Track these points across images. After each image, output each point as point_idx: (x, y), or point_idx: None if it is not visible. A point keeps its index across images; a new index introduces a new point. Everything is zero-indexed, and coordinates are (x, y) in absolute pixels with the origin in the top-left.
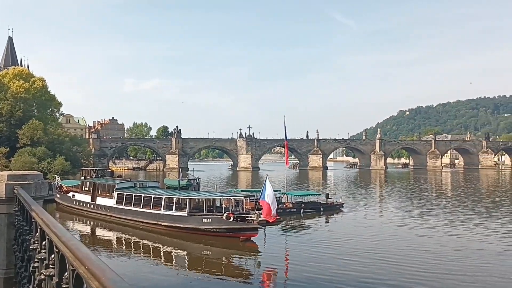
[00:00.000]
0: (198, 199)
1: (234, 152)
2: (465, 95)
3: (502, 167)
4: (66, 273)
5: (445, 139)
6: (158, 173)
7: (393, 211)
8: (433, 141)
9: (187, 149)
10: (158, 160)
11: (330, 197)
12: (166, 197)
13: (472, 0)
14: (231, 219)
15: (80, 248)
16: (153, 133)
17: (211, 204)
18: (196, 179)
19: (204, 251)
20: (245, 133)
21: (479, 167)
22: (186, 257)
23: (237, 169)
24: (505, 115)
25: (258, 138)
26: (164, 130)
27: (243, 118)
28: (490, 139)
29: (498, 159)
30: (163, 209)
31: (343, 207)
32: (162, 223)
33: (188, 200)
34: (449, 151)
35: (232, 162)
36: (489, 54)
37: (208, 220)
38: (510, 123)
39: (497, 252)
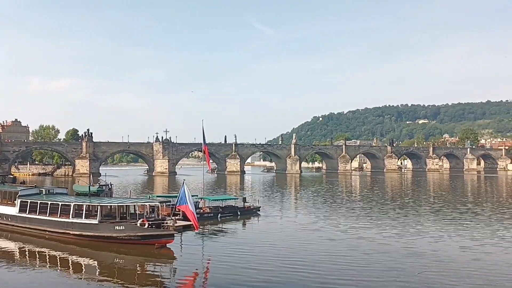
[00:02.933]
0: (111, 205)
1: (150, 156)
2: (372, 103)
3: (404, 170)
4: None
5: (355, 144)
6: (66, 178)
7: (307, 214)
8: (343, 146)
9: (99, 153)
10: (67, 165)
11: (247, 201)
12: (75, 204)
13: (380, 14)
14: (146, 226)
15: None
16: (62, 136)
17: (125, 211)
18: (108, 185)
19: (117, 260)
20: (162, 137)
21: (385, 171)
22: (97, 266)
23: (153, 174)
24: (407, 122)
25: (175, 142)
26: (74, 133)
27: (160, 122)
28: (394, 145)
29: (401, 163)
30: (72, 217)
31: (259, 210)
32: (71, 232)
33: (99, 207)
34: (358, 156)
35: (147, 167)
36: (394, 65)
37: (121, 228)
38: (411, 130)
39: (406, 253)
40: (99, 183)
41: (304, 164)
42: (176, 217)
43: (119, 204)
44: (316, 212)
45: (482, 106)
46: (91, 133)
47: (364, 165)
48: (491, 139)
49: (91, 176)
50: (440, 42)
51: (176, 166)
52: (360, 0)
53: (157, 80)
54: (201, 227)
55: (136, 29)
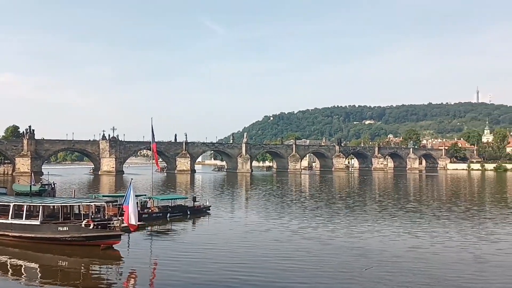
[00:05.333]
0: (53, 206)
1: (96, 155)
2: (321, 104)
3: (351, 169)
4: None
5: (304, 144)
6: (6, 178)
7: (257, 214)
8: (294, 146)
9: (42, 151)
10: (6, 164)
11: (197, 200)
12: (14, 204)
13: (329, 18)
14: (91, 227)
15: None
16: (1, 133)
17: (68, 211)
18: (51, 184)
19: (60, 262)
20: (109, 135)
21: (333, 170)
22: (38, 269)
23: (99, 173)
24: (354, 122)
25: (123, 140)
26: (14, 130)
27: (107, 120)
28: (342, 144)
29: (349, 162)
30: (11, 218)
31: (209, 209)
32: (10, 234)
33: (41, 207)
34: (307, 155)
35: (93, 166)
36: (342, 67)
37: (65, 229)
38: (358, 130)
39: (353, 251)
40: (41, 182)
41: (255, 163)
42: (123, 217)
43: (62, 204)
44: (266, 211)
45: (424, 108)
46: (33, 130)
47: (314, 164)
48: (432, 139)
49: (32, 175)
50: (386, 46)
51: (124, 165)
52: (312, 3)
53: (104, 77)
54: (149, 227)
55: (81, 24)
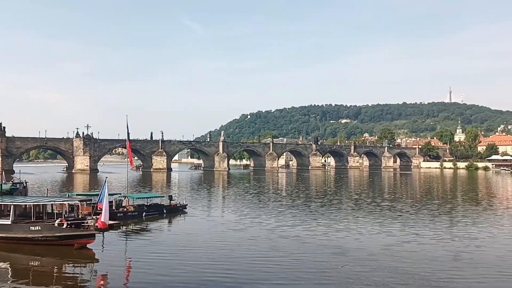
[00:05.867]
0: (25, 205)
1: (70, 153)
2: (299, 103)
3: (328, 168)
4: None
5: (282, 142)
6: None
7: (234, 212)
8: (271, 144)
9: (13, 149)
10: None
11: (173, 199)
12: None
13: (307, 18)
14: (64, 226)
15: None
16: None
17: (41, 210)
18: (23, 183)
19: (32, 263)
20: (83, 133)
21: (310, 168)
22: (9, 270)
23: (73, 171)
24: (331, 121)
25: (97, 138)
26: None
27: (82, 117)
28: (319, 143)
29: (325, 161)
30: None
31: (186, 208)
32: None
33: (12, 206)
34: (284, 153)
35: (67, 164)
36: (319, 66)
37: (37, 228)
38: (334, 129)
39: (329, 249)
40: (12, 181)
41: (232, 162)
42: (98, 216)
43: (34, 203)
44: (243, 210)
45: (399, 108)
46: (4, 128)
47: (291, 162)
48: (406, 138)
49: (3, 173)
50: (361, 46)
51: (98, 163)
52: (289, 3)
53: (79, 74)
54: (124, 226)
55: (56, 21)
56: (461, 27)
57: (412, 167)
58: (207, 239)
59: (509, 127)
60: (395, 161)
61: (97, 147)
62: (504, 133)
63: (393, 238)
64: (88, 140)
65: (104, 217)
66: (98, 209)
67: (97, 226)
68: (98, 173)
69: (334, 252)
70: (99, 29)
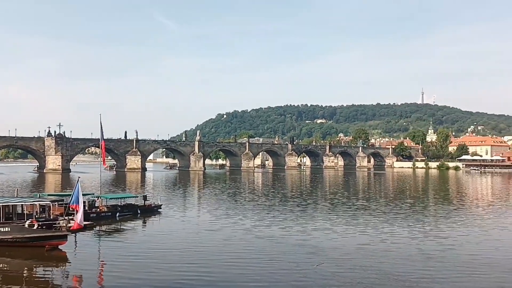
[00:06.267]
0: None
1: (41, 152)
2: (275, 103)
3: (303, 167)
4: None
5: (258, 142)
6: None
7: (209, 213)
8: (247, 144)
9: None
10: None
11: (148, 199)
12: None
13: (284, 18)
14: (35, 227)
15: None
16: None
17: (11, 211)
18: None
19: (1, 265)
20: (55, 132)
21: (286, 168)
22: None
23: (45, 171)
24: (307, 121)
25: (70, 137)
26: None
27: (54, 116)
28: (294, 143)
29: (301, 160)
30: None
31: (161, 208)
32: None
33: None
34: (260, 153)
35: (38, 164)
36: (295, 66)
37: (7, 229)
38: (310, 129)
39: (305, 249)
40: None
41: (208, 161)
42: (70, 217)
43: (4, 204)
44: (218, 210)
45: (373, 108)
46: None
47: (267, 162)
48: (380, 138)
49: None
50: (337, 47)
51: (71, 163)
52: (265, 3)
53: (50, 72)
54: (98, 227)
55: (26, 16)
56: (432, 29)
57: (385, 167)
58: (182, 240)
59: (479, 128)
60: (369, 161)
61: (70, 146)
62: (474, 134)
63: (368, 237)
64: (60, 139)
65: (79, 218)
66: (71, 209)
67: (70, 227)
68: (70, 173)
69: (310, 251)
70: (71, 25)
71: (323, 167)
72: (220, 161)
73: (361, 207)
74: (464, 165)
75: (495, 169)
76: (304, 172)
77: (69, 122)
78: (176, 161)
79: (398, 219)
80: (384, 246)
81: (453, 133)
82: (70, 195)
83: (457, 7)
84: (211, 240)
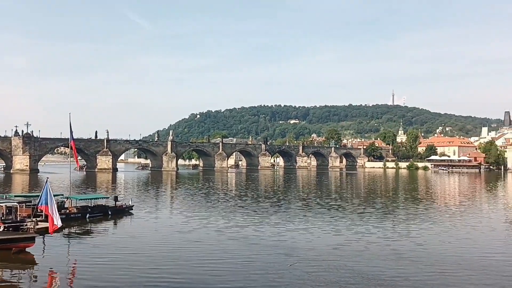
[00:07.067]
0: None
1: (8, 152)
2: (248, 103)
3: (277, 167)
4: None
5: (231, 142)
6: None
7: (181, 213)
8: (220, 144)
9: None
10: None
11: (119, 200)
12: None
13: (257, 18)
14: (1, 229)
15: None
16: None
17: None
18: None
19: None
20: (22, 131)
21: (259, 168)
22: None
23: (12, 171)
24: (280, 122)
25: (38, 136)
26: None
27: (22, 114)
28: (268, 143)
29: (274, 161)
30: None
31: (132, 209)
32: None
33: None
34: (234, 153)
35: (4, 164)
36: (269, 67)
37: None
38: (283, 129)
39: (278, 249)
40: None
41: (181, 162)
42: (38, 219)
43: None
44: (191, 211)
45: (345, 109)
46: None
47: (240, 162)
48: (352, 139)
49: None
50: (309, 48)
51: (39, 163)
52: (238, 3)
53: (18, 69)
54: (67, 229)
55: None
56: (402, 32)
57: (357, 167)
58: (153, 242)
59: (447, 129)
60: (341, 161)
61: (38, 146)
62: (442, 135)
63: (341, 237)
64: (28, 139)
65: (56, 219)
66: (39, 210)
67: (38, 228)
68: (38, 174)
69: (284, 252)
70: (41, 21)
71: (297, 167)
72: (194, 162)
73: (334, 207)
74: (433, 165)
75: (462, 169)
76: (278, 172)
77: (37, 121)
78: (148, 161)
79: (370, 218)
80: (358, 245)
81: (422, 134)
82: (38, 196)
83: (423, 11)
84: (183, 242)
